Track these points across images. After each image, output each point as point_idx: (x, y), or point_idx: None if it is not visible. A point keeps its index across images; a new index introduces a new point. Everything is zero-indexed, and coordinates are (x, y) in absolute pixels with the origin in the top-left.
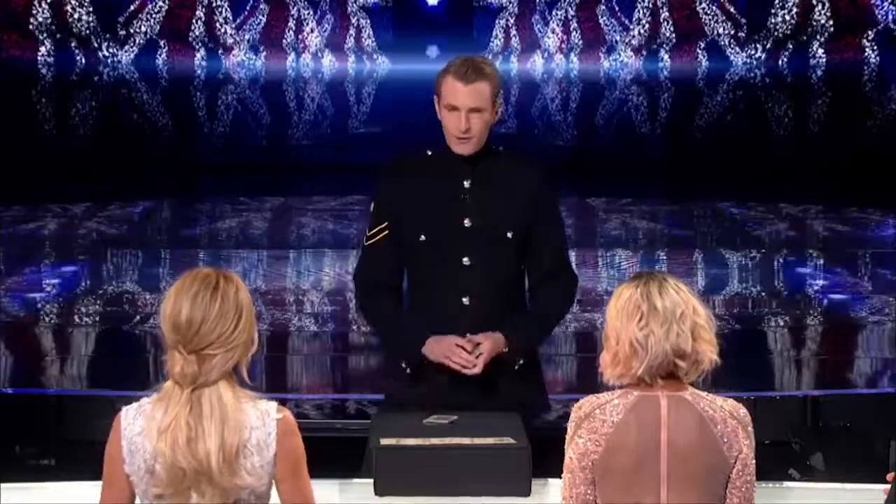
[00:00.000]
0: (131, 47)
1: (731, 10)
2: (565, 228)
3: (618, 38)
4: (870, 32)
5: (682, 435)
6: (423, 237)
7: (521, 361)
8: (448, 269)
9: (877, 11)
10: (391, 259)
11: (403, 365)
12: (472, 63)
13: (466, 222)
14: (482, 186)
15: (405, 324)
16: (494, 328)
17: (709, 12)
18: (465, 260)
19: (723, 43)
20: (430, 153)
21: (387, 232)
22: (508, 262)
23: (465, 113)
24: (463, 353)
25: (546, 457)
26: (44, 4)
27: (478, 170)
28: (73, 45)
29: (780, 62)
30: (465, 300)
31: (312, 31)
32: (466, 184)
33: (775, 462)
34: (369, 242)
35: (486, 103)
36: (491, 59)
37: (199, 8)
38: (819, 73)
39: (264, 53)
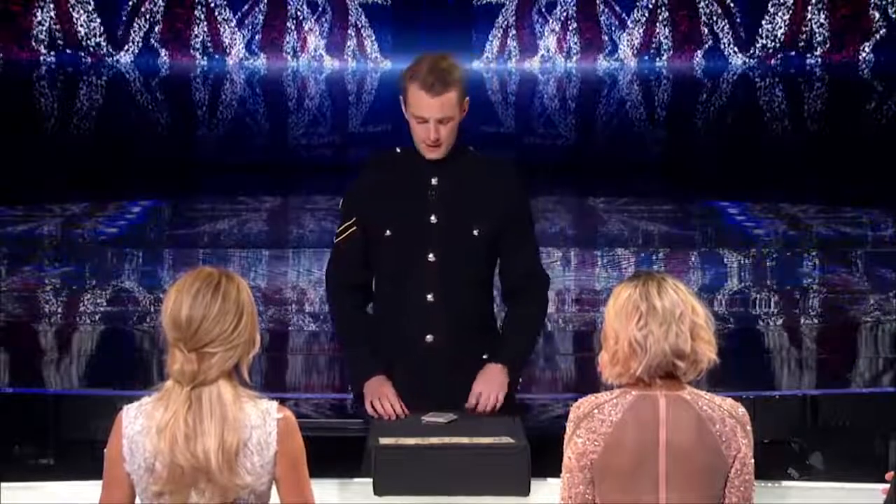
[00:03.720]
0: (130, 47)
1: (731, 9)
2: (534, 230)
3: (617, 37)
4: (868, 32)
5: (680, 434)
6: (388, 232)
7: (521, 380)
8: (412, 266)
9: (875, 11)
10: (360, 256)
11: (349, 388)
12: (438, 72)
13: (432, 218)
14: (449, 184)
15: (360, 352)
16: (457, 326)
17: (707, 13)
18: (430, 256)
19: (722, 43)
20: (399, 150)
21: (355, 228)
22: (475, 260)
23: (433, 124)
24: (386, 406)
25: (545, 456)
26: (44, 4)
27: (446, 167)
28: (73, 45)
29: (778, 61)
30: (430, 297)
31: (312, 30)
32: (434, 181)
33: (774, 461)
34: (338, 239)
35: (453, 111)
36: (454, 57)
37: (199, 7)
38: (818, 72)
39: (264, 53)
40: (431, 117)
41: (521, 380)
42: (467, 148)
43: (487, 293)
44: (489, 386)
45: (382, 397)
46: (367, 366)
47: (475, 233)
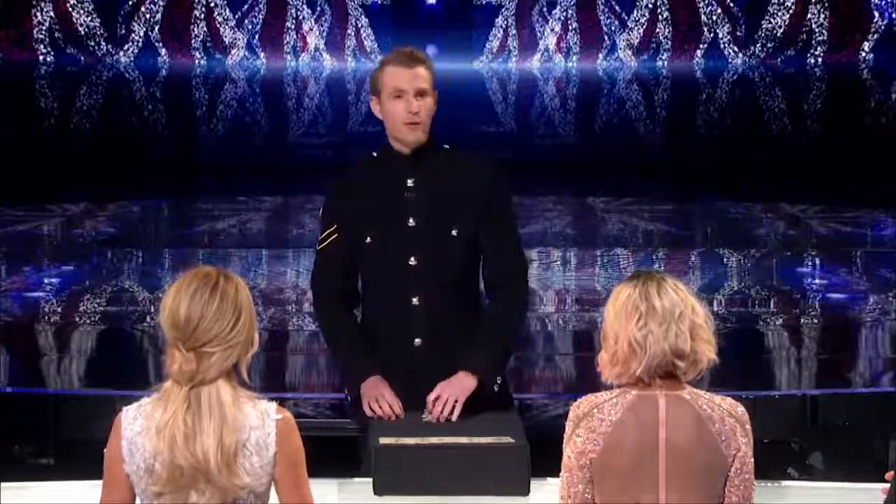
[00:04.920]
0: (130, 47)
1: (731, 9)
2: (516, 223)
3: (617, 37)
4: (868, 31)
5: (680, 434)
6: (368, 239)
7: (499, 381)
8: (395, 270)
9: (875, 11)
10: (342, 263)
11: (345, 392)
12: (410, 51)
13: (411, 222)
14: (426, 184)
15: (353, 355)
16: (445, 328)
17: (707, 12)
18: (412, 260)
19: (722, 43)
20: (374, 154)
21: (336, 235)
22: (456, 260)
23: (412, 96)
24: (385, 406)
25: (545, 456)
26: (44, 4)
27: (421, 168)
28: (73, 45)
29: (778, 61)
30: (415, 300)
31: (311, 30)
32: (410, 182)
33: (774, 461)
34: (321, 247)
35: (429, 86)
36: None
37: (199, 7)
38: (818, 72)
39: (263, 53)
40: (411, 88)
41: (498, 380)
42: (441, 145)
43: (473, 292)
44: (448, 388)
45: (380, 398)
46: (362, 368)
47: (454, 233)
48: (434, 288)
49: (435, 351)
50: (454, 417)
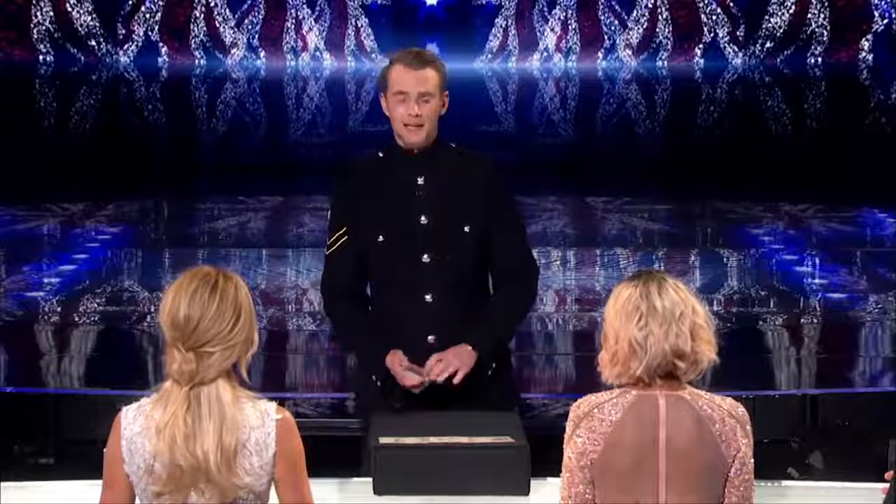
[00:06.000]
0: (130, 46)
1: (731, 9)
2: (523, 220)
3: (617, 37)
4: (868, 31)
5: (680, 434)
6: (380, 238)
7: (494, 366)
8: (408, 268)
9: (875, 11)
10: (353, 264)
11: (374, 378)
12: (419, 52)
13: (423, 220)
14: (436, 183)
15: (365, 339)
16: (458, 324)
17: (707, 12)
18: (425, 257)
19: (722, 42)
20: (381, 154)
21: (346, 237)
22: (468, 257)
23: (414, 99)
24: (415, 378)
25: (545, 456)
26: (44, 4)
27: (430, 166)
28: (73, 44)
29: (778, 61)
30: (428, 297)
31: (311, 30)
32: (420, 181)
33: (774, 461)
34: (330, 250)
35: (434, 90)
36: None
37: (199, 7)
38: (818, 72)
39: (263, 52)
40: (413, 91)
41: (493, 365)
42: (449, 144)
43: (485, 289)
44: (453, 356)
45: (403, 379)
46: (378, 350)
47: (466, 229)
48: (447, 285)
49: (448, 347)
50: (455, 381)
